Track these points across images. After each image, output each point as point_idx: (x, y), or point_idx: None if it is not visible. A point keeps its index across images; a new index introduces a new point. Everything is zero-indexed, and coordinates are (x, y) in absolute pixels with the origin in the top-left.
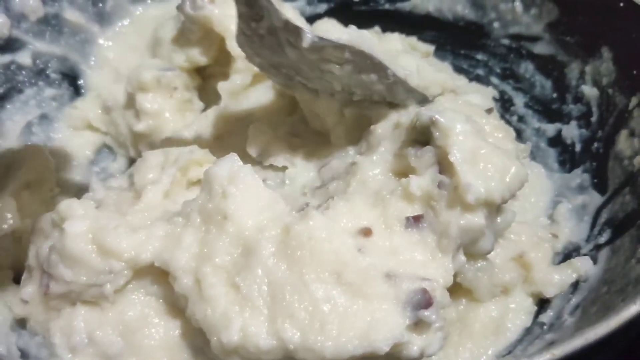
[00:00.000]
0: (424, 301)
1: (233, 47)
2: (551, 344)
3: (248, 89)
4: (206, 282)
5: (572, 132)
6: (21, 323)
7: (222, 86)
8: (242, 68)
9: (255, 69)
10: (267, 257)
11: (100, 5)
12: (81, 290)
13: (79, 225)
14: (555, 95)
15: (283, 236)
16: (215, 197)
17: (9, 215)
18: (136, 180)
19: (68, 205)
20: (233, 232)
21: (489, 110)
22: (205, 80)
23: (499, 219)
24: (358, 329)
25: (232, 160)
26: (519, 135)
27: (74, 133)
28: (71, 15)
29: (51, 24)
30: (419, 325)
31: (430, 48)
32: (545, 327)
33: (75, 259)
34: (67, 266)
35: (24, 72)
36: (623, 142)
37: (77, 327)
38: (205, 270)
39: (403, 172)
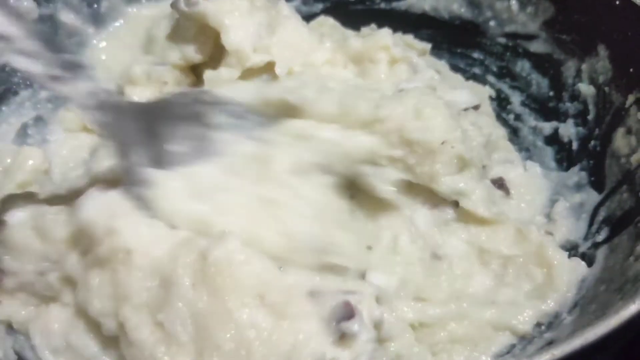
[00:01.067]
0: (347, 313)
1: (228, 41)
2: (550, 343)
3: (232, 84)
4: (129, 325)
5: (568, 130)
6: None
7: (207, 74)
8: (233, 63)
9: (248, 65)
10: (187, 288)
11: (95, 6)
12: (32, 281)
13: (19, 215)
14: (551, 93)
15: (200, 264)
16: (103, 239)
17: None
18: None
19: (8, 198)
20: (144, 265)
21: (476, 107)
22: (199, 78)
23: None
24: (282, 353)
25: (98, 200)
26: (516, 134)
27: (69, 135)
28: (65, 16)
29: (45, 25)
30: (344, 339)
31: (427, 46)
32: (543, 326)
33: (18, 248)
34: (13, 258)
35: (19, 74)
36: (620, 140)
37: (53, 329)
38: (125, 312)
39: None
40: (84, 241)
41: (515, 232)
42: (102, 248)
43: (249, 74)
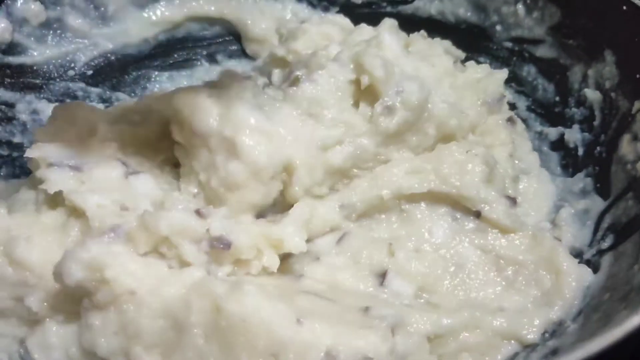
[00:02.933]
0: None
1: None
2: (554, 351)
3: None
4: None
5: (574, 135)
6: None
7: None
8: None
9: None
10: (198, 338)
11: (102, 9)
12: (9, 307)
13: None
14: (557, 98)
15: (213, 315)
16: (98, 290)
17: None
18: None
19: None
20: (153, 304)
21: (510, 119)
22: None
23: None
24: None
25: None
26: None
27: None
28: (73, 19)
29: (53, 28)
30: None
31: (462, 54)
32: (547, 333)
33: None
34: None
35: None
36: (626, 147)
37: (53, 344)
38: (137, 351)
39: None
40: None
41: (530, 238)
42: (98, 296)
43: None
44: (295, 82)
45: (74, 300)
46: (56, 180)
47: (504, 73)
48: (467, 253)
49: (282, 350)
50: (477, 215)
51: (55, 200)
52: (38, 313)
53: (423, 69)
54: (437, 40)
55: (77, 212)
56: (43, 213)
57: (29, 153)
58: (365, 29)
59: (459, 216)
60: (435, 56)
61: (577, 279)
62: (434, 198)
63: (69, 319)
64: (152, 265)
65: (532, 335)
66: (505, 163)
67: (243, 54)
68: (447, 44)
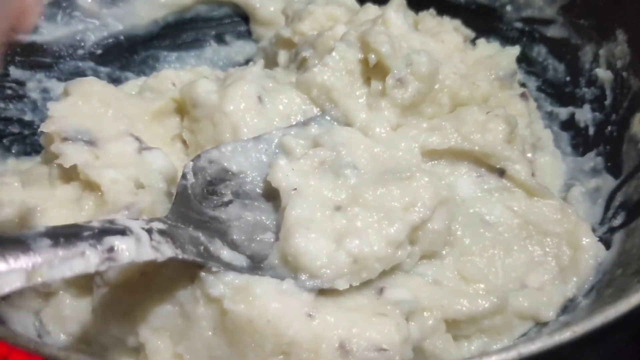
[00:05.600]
0: None
1: None
2: (565, 325)
3: None
4: (150, 347)
5: (585, 115)
6: None
7: None
8: None
9: None
10: (206, 330)
11: None
12: None
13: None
14: (568, 78)
15: (220, 315)
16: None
17: None
18: None
19: None
20: (161, 286)
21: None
22: None
23: None
24: None
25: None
26: None
27: None
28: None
29: (62, 7)
30: None
31: (471, 34)
32: (559, 310)
33: None
34: None
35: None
36: (637, 125)
37: (67, 316)
38: (145, 333)
39: None
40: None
41: (558, 209)
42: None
43: None
44: (302, 63)
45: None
46: (71, 154)
47: (516, 49)
48: (496, 211)
49: (293, 347)
50: (501, 173)
51: (69, 175)
52: (52, 285)
53: (432, 44)
54: (447, 19)
55: (91, 187)
56: (57, 187)
57: (44, 127)
58: (371, 9)
59: (481, 174)
60: (445, 32)
61: (592, 256)
62: (455, 155)
63: (82, 293)
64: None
65: (549, 314)
66: (523, 131)
67: (250, 34)
68: (456, 23)
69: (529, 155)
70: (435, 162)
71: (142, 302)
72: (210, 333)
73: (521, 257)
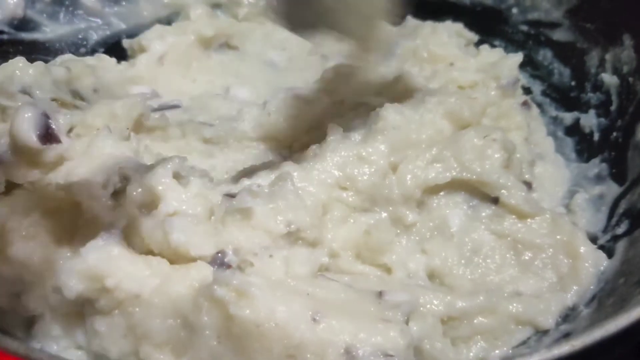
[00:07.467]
0: None
1: None
2: (566, 335)
3: None
4: None
5: (590, 121)
6: None
7: None
8: None
9: None
10: (211, 339)
11: None
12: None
13: None
14: (573, 83)
15: (225, 321)
16: (100, 297)
17: None
18: None
19: None
20: (162, 303)
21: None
22: None
23: None
24: None
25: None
26: None
27: None
28: None
29: (65, 5)
30: None
31: (474, 37)
32: (559, 318)
33: None
34: None
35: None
36: None
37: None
38: (147, 350)
39: None
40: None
41: (549, 222)
42: (101, 303)
43: None
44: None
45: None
46: None
47: (518, 56)
48: (483, 239)
49: (300, 351)
50: (495, 201)
51: None
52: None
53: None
54: (449, 23)
55: None
56: None
57: None
58: None
59: (475, 205)
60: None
61: (593, 264)
62: (453, 186)
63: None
64: (153, 264)
65: (548, 321)
66: (521, 147)
67: None
68: (458, 26)
69: (527, 176)
70: (434, 195)
71: (141, 323)
72: (215, 342)
73: (514, 271)
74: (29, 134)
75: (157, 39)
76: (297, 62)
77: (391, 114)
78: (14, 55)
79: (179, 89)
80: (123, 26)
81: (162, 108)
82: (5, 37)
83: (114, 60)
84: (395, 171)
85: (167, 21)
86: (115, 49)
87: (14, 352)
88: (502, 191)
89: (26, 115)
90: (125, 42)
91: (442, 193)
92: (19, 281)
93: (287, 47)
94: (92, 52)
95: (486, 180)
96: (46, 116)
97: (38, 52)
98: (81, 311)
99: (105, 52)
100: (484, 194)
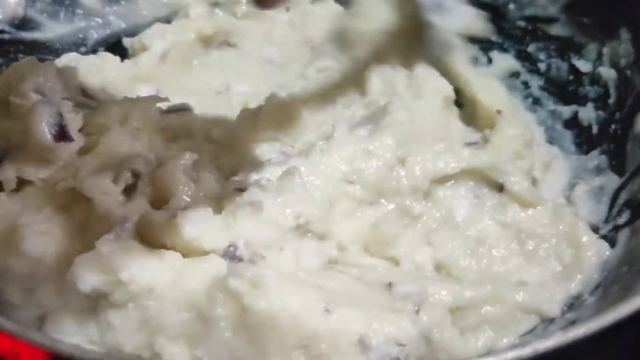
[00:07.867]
0: None
1: None
2: (572, 323)
3: None
4: (167, 355)
5: (588, 114)
6: None
7: None
8: None
9: None
10: (226, 331)
11: None
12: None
13: None
14: (571, 77)
15: (240, 313)
16: (114, 292)
17: None
18: None
19: None
20: (176, 297)
21: None
22: None
23: None
24: None
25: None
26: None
27: None
28: None
29: (65, 4)
30: None
31: None
32: (564, 307)
33: None
34: None
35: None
36: None
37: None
38: (161, 343)
39: None
40: None
41: (551, 213)
42: (115, 296)
43: None
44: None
45: None
46: None
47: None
48: (488, 229)
49: (314, 341)
50: (500, 188)
51: None
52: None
53: None
54: None
55: None
56: None
57: None
58: None
59: (481, 194)
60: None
61: (596, 254)
62: (462, 174)
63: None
64: (167, 258)
65: (553, 309)
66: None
67: None
68: None
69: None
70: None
71: (155, 316)
72: (229, 334)
73: (519, 261)
74: (44, 132)
75: (158, 37)
76: (294, 57)
77: (398, 108)
78: (15, 54)
79: (182, 87)
80: (123, 25)
81: (171, 110)
82: (6, 36)
83: (117, 58)
84: (403, 164)
85: (166, 20)
86: (116, 47)
87: (40, 344)
88: (510, 177)
89: (42, 114)
90: (126, 41)
91: (449, 183)
92: (33, 277)
93: (284, 43)
94: (93, 51)
95: (495, 164)
96: (60, 115)
97: (39, 51)
98: (94, 306)
99: (106, 51)
100: (491, 182)
